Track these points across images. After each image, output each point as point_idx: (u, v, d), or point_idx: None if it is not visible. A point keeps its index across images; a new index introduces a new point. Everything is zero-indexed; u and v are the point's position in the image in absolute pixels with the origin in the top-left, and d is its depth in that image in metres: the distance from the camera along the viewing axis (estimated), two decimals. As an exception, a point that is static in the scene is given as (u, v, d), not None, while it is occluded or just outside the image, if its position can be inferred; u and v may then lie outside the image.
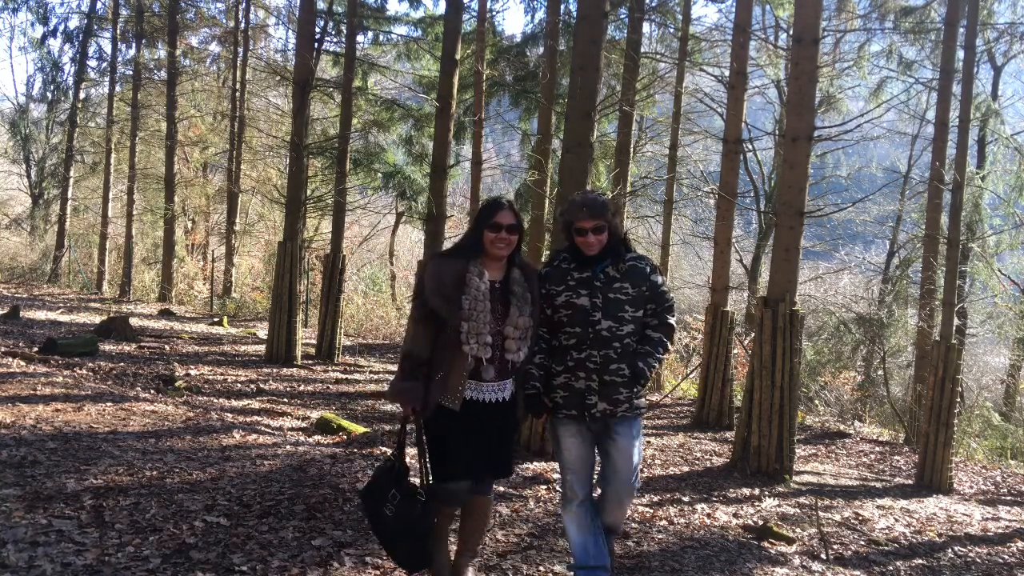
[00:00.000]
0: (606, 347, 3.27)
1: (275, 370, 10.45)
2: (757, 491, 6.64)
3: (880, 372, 13.86)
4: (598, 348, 3.27)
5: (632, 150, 13.87)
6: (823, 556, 4.96)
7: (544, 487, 5.73)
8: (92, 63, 22.21)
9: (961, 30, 9.32)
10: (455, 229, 17.71)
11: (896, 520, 6.31)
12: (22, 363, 8.41)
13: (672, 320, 3.43)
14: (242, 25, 20.39)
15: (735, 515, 5.73)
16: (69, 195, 21.67)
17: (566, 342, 3.34)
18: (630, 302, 3.33)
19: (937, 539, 5.93)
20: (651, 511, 5.49)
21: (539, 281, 3.37)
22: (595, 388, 3.28)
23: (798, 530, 5.54)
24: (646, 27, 14.50)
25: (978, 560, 5.50)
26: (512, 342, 3.20)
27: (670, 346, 3.41)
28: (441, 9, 22.80)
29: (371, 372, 11.37)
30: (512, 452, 3.44)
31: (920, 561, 5.31)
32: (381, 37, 16.03)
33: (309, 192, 12.65)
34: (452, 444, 3.19)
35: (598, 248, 3.32)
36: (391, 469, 3.26)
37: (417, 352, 3.17)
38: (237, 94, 19.79)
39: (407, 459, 3.33)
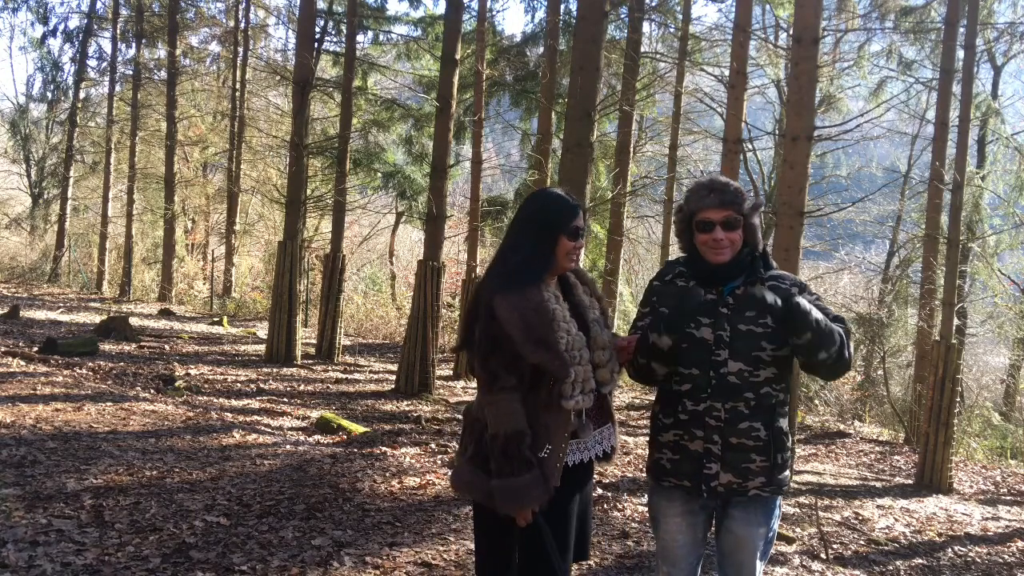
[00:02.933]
0: (734, 398, 2.39)
1: (275, 370, 10.45)
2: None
3: (880, 372, 13.86)
4: (723, 399, 2.39)
5: (632, 150, 13.88)
6: (823, 555, 4.96)
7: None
8: (92, 63, 22.23)
9: (961, 30, 9.32)
10: (455, 229, 17.71)
11: (896, 520, 6.31)
12: (22, 363, 8.41)
13: (842, 328, 2.42)
14: (242, 25, 20.39)
15: (735, 515, 5.72)
16: (69, 195, 21.67)
17: (677, 386, 2.47)
18: (769, 336, 2.39)
19: (937, 539, 5.93)
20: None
21: (648, 297, 2.59)
22: (717, 453, 2.40)
23: (798, 530, 5.54)
24: (646, 27, 14.52)
25: (978, 560, 5.50)
26: (604, 371, 2.43)
27: (848, 349, 2.39)
28: (441, 9, 22.82)
29: (371, 372, 11.38)
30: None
31: (920, 561, 5.31)
32: (381, 37, 16.05)
33: (309, 192, 12.66)
34: (557, 531, 2.37)
35: (730, 253, 2.43)
36: None
37: (525, 428, 2.28)
38: (237, 94, 19.79)
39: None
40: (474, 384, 2.93)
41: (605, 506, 5.16)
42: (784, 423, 2.46)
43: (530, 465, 2.25)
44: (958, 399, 8.84)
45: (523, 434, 2.27)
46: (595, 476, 2.67)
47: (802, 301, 2.34)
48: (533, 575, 2.36)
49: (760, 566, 2.52)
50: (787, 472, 2.48)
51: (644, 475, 6.26)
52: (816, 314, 2.33)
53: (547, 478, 2.28)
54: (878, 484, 7.87)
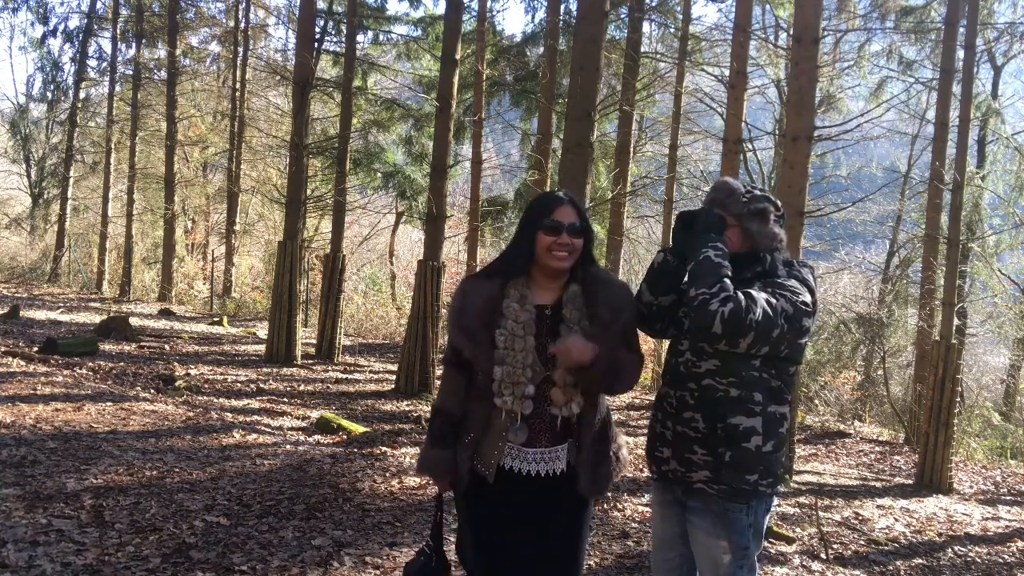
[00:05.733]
0: (681, 387, 2.44)
1: (275, 370, 10.45)
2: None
3: (880, 372, 13.86)
4: (674, 387, 2.47)
5: (632, 150, 13.88)
6: (823, 556, 4.96)
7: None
8: (92, 63, 22.21)
9: (961, 30, 9.32)
10: (455, 229, 17.72)
11: (896, 520, 6.31)
12: (22, 363, 8.41)
13: (756, 294, 2.27)
14: (242, 25, 20.38)
15: (735, 515, 5.72)
16: (69, 195, 21.66)
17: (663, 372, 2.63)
18: None
19: (937, 539, 5.94)
20: (651, 510, 5.49)
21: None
22: (668, 438, 2.48)
23: (798, 530, 5.54)
24: (646, 27, 14.52)
25: (978, 560, 5.50)
26: (559, 392, 2.33)
27: (722, 306, 2.21)
28: (441, 9, 22.82)
29: (371, 372, 11.38)
30: (577, 554, 2.46)
31: (920, 561, 5.31)
32: (381, 37, 16.05)
33: (309, 192, 12.66)
34: (475, 530, 2.41)
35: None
36: (426, 567, 2.50)
37: (448, 408, 2.41)
38: (237, 94, 19.78)
39: (447, 551, 2.60)
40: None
41: (605, 506, 5.17)
42: (744, 422, 2.34)
43: (442, 442, 2.39)
44: (958, 399, 8.84)
45: (442, 411, 2.42)
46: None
47: (709, 253, 2.29)
48: (460, 545, 2.56)
49: None
50: (749, 476, 2.35)
51: (644, 475, 6.27)
52: (712, 257, 2.29)
53: (460, 462, 2.37)
54: (878, 484, 7.87)
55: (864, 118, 11.31)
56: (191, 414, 6.83)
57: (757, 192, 2.49)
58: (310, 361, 11.47)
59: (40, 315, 13.44)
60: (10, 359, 8.51)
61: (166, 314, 15.83)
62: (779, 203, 2.52)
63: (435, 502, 2.61)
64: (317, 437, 6.83)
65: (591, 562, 4.09)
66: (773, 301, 2.29)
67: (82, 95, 22.22)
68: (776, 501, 2.57)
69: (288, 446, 6.04)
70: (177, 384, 8.65)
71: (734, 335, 2.24)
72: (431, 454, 2.42)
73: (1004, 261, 15.50)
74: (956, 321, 9.28)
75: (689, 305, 2.30)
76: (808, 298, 2.38)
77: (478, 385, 2.36)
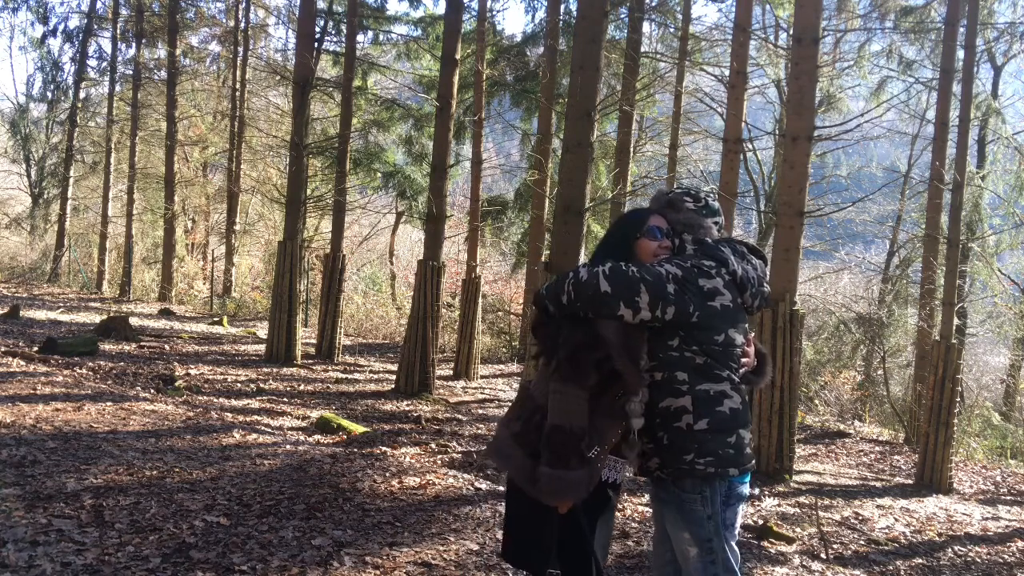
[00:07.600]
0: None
1: (275, 370, 10.45)
2: (757, 491, 6.64)
3: (880, 372, 13.87)
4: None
5: (632, 150, 13.88)
6: (823, 555, 4.96)
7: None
8: (92, 63, 22.22)
9: (961, 30, 9.33)
10: (455, 229, 17.72)
11: (896, 520, 6.31)
12: (22, 363, 8.41)
13: (570, 275, 2.41)
14: (242, 25, 20.39)
15: (735, 515, 5.71)
16: (69, 195, 21.66)
17: None
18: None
19: (937, 539, 5.94)
20: (651, 510, 5.49)
21: None
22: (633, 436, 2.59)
23: (798, 530, 5.54)
24: (646, 27, 14.52)
25: (978, 560, 5.50)
26: (638, 404, 2.49)
27: (563, 284, 2.40)
28: (441, 9, 22.83)
29: (371, 372, 11.38)
30: None
31: (920, 561, 5.31)
32: (381, 37, 16.07)
33: (309, 192, 12.66)
34: (591, 539, 2.49)
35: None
36: None
37: (584, 428, 2.37)
38: (237, 94, 19.79)
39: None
40: (474, 384, 2.96)
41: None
42: (674, 403, 2.42)
43: (585, 462, 2.36)
44: (958, 399, 8.84)
45: (581, 432, 2.37)
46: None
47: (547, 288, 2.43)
48: (574, 565, 2.47)
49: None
50: (685, 456, 2.41)
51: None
52: (547, 284, 2.44)
53: (592, 477, 2.39)
54: (878, 484, 7.87)
55: (864, 118, 11.32)
56: (191, 414, 6.83)
57: (684, 189, 2.68)
58: (310, 361, 11.48)
59: (40, 315, 13.44)
60: (10, 359, 8.51)
61: (166, 314, 15.83)
62: (699, 195, 2.62)
63: (571, 525, 2.45)
64: (317, 437, 6.83)
65: (591, 562, 4.08)
66: (657, 267, 2.40)
67: (82, 95, 22.22)
68: (740, 488, 2.55)
69: (288, 446, 6.04)
70: (177, 384, 8.65)
71: (621, 286, 2.32)
72: (580, 475, 2.35)
73: (1004, 261, 15.50)
74: (956, 321, 9.28)
75: (572, 298, 2.37)
76: (709, 263, 2.44)
77: (612, 402, 2.41)
